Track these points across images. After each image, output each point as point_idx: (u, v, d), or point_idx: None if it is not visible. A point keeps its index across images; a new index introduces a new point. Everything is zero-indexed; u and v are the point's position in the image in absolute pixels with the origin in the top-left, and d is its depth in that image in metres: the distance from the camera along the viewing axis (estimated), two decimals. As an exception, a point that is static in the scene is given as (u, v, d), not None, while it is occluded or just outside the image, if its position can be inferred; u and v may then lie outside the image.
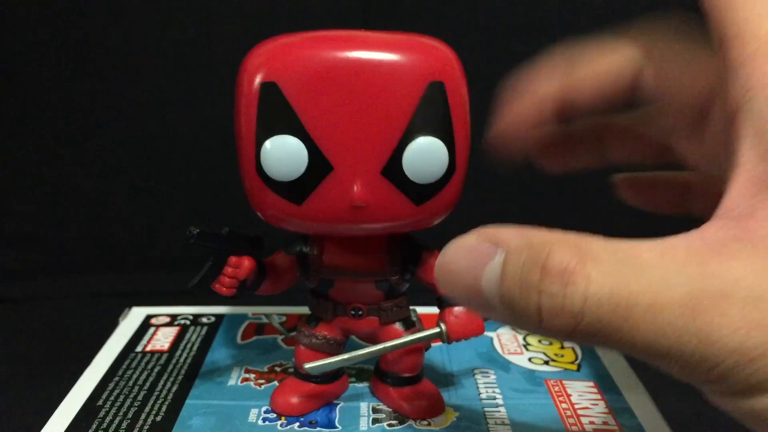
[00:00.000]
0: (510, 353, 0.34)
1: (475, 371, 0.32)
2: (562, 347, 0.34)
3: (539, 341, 0.35)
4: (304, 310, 0.37)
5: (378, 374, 0.30)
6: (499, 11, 0.49)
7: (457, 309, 0.27)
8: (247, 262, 0.26)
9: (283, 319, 0.37)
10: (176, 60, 0.50)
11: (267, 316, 0.36)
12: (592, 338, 0.18)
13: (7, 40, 0.49)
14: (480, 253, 0.20)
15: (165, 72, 0.51)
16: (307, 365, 0.27)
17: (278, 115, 0.23)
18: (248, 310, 0.38)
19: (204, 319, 0.37)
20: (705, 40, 0.22)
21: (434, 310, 0.28)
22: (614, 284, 0.18)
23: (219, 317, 0.37)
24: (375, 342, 0.28)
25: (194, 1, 0.49)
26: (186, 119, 0.51)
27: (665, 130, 0.25)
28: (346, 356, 0.27)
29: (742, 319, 0.17)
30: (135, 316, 0.37)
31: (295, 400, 0.28)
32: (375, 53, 0.23)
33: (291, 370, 0.32)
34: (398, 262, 0.27)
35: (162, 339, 0.35)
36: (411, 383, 0.29)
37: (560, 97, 0.25)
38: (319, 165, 0.23)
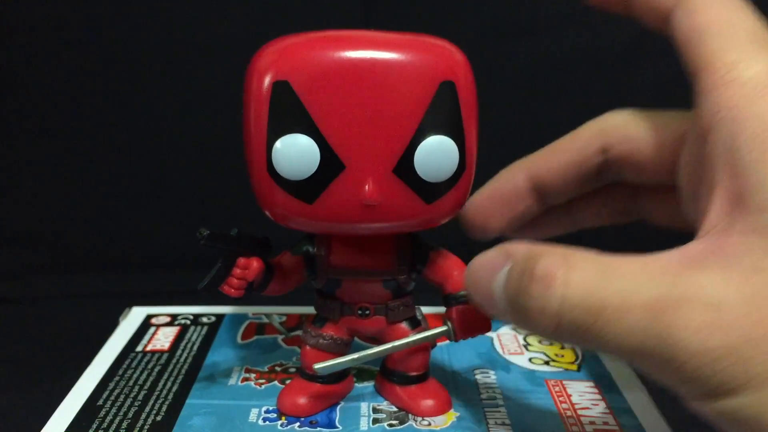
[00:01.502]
0: (510, 353, 0.34)
1: (476, 371, 0.32)
2: (563, 347, 0.34)
3: (539, 341, 0.35)
4: (304, 309, 0.37)
5: (384, 373, 0.30)
6: (499, 11, 0.49)
7: (464, 307, 0.27)
8: (255, 263, 0.26)
9: (284, 318, 0.37)
10: (174, 58, 0.50)
11: (267, 315, 0.36)
12: (572, 337, 0.20)
13: (8, 39, 0.49)
14: (495, 263, 0.22)
15: (163, 71, 0.51)
16: (317, 366, 0.26)
17: (290, 114, 0.23)
18: (248, 309, 0.38)
19: (204, 319, 0.37)
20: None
21: (439, 309, 0.28)
22: (588, 288, 0.19)
23: (219, 317, 0.37)
24: (378, 341, 0.28)
25: (194, 1, 0.50)
26: (185, 119, 0.51)
27: (632, 196, 0.28)
28: (355, 356, 0.27)
29: (702, 321, 0.18)
30: (135, 316, 0.37)
31: (302, 400, 0.28)
32: (387, 53, 0.23)
33: (292, 369, 0.32)
34: (406, 260, 0.27)
35: (162, 339, 0.35)
36: (418, 381, 0.29)
37: (533, 186, 0.28)
38: (330, 164, 0.23)
